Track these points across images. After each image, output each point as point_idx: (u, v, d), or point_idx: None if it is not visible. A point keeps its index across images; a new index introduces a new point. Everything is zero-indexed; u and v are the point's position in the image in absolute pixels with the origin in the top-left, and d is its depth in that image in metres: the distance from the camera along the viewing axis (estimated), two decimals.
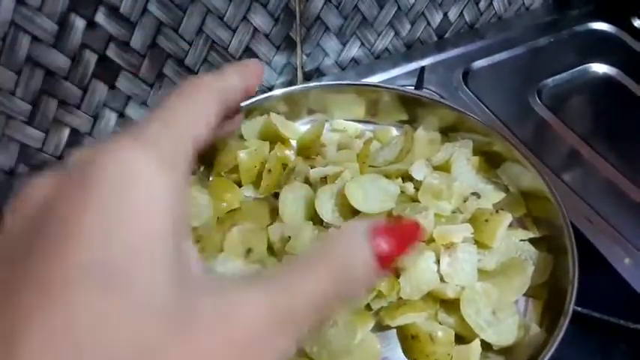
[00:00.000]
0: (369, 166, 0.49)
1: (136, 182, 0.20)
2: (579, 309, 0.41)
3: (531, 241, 0.46)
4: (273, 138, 0.51)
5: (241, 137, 0.52)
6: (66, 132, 0.55)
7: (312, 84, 0.54)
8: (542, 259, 0.44)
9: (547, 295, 0.43)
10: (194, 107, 0.25)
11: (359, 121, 0.55)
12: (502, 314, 0.39)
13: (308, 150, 0.51)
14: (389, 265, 0.24)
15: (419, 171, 0.48)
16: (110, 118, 0.57)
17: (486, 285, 0.40)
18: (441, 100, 0.52)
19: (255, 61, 0.32)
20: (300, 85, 0.54)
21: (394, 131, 0.54)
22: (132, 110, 0.57)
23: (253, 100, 0.51)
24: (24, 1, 0.45)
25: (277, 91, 0.52)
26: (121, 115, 0.57)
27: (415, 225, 0.25)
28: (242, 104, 0.44)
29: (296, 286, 0.22)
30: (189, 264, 0.21)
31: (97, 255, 0.18)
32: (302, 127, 0.54)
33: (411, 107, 0.53)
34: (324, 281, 0.22)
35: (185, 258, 0.21)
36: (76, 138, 0.56)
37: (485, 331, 0.39)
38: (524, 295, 0.43)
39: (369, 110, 0.55)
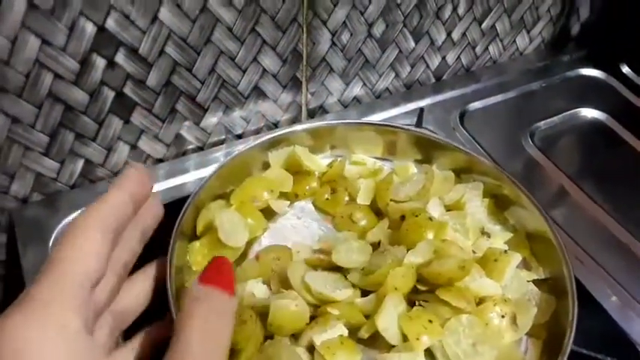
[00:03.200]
0: (391, 200, 0.51)
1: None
2: (572, 347, 0.42)
3: (534, 281, 0.48)
4: (297, 168, 0.54)
5: (267, 165, 0.54)
6: (80, 163, 0.58)
7: (335, 121, 0.57)
8: (545, 300, 0.46)
9: (547, 335, 0.44)
10: (81, 253, 0.29)
11: (377, 158, 0.58)
12: (482, 348, 0.40)
13: (332, 182, 0.54)
14: (232, 289, 0.32)
15: (435, 209, 0.50)
16: (123, 150, 0.59)
17: (472, 317, 0.41)
18: (456, 143, 0.55)
19: (135, 169, 0.35)
20: (325, 122, 0.57)
21: (413, 168, 0.56)
22: (144, 143, 0.60)
23: (280, 132, 0.53)
24: (49, 41, 0.48)
25: (302, 125, 0.55)
26: (134, 147, 0.60)
27: (219, 257, 0.33)
28: (270, 136, 0.48)
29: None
30: None
31: None
32: (324, 160, 0.57)
33: (426, 148, 0.55)
34: (202, 340, 0.28)
35: None
36: (89, 168, 0.58)
37: None
38: (525, 334, 0.44)
39: (387, 149, 0.57)
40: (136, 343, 0.33)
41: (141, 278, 0.37)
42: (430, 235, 0.45)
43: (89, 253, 0.29)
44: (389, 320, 0.41)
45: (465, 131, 0.69)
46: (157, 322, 0.36)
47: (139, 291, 0.36)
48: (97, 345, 0.30)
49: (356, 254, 0.46)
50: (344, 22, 0.62)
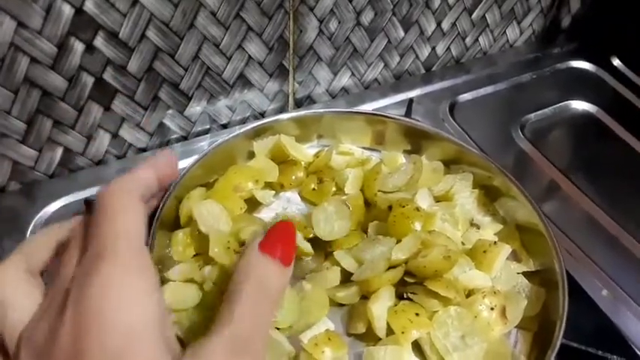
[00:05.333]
0: (378, 190, 0.49)
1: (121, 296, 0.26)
2: (562, 340, 0.42)
3: (524, 273, 0.47)
4: (282, 158, 0.52)
5: (252, 154, 0.53)
6: (59, 151, 0.56)
7: (322, 110, 0.55)
8: (535, 293, 0.45)
9: (537, 328, 0.43)
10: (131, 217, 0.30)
11: (365, 148, 0.57)
12: (471, 340, 0.39)
13: (319, 172, 0.52)
14: (290, 261, 0.31)
15: (423, 200, 0.49)
16: (104, 138, 0.57)
17: (460, 309, 0.41)
18: (446, 133, 0.53)
19: (167, 153, 0.36)
20: (311, 110, 0.55)
21: (402, 158, 0.55)
22: (125, 131, 0.58)
23: (265, 121, 0.52)
24: (25, 23, 0.46)
25: (288, 114, 0.53)
26: (115, 135, 0.58)
27: (284, 223, 0.32)
28: (254, 124, 0.46)
29: (236, 322, 0.28)
30: (172, 345, 0.27)
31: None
32: (310, 150, 0.55)
33: (416, 138, 0.54)
34: (253, 304, 0.29)
35: (170, 341, 0.27)
36: (68, 157, 0.57)
37: (450, 355, 0.39)
38: (515, 326, 0.43)
39: (376, 138, 0.56)
40: None
41: None
42: (418, 226, 0.44)
43: (139, 221, 0.30)
44: (381, 311, 0.40)
45: (454, 122, 0.68)
46: None
47: None
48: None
49: (336, 221, 0.46)
50: (332, 9, 0.61)
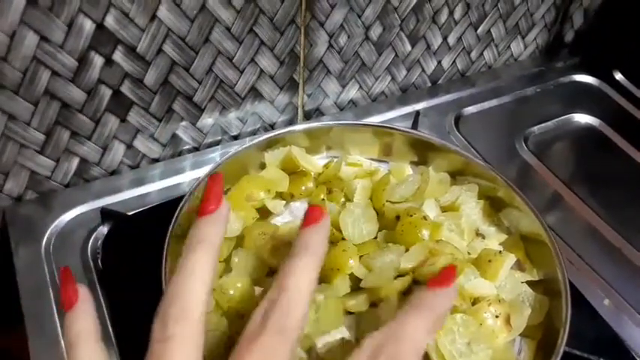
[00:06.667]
0: (386, 200, 0.51)
1: None
2: (565, 348, 0.43)
3: (528, 282, 0.48)
4: (293, 169, 0.54)
5: (263, 165, 0.54)
6: (75, 161, 0.57)
7: (332, 122, 0.57)
8: (539, 301, 0.46)
9: (541, 336, 0.45)
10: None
11: (373, 160, 0.58)
12: (477, 347, 0.40)
13: (328, 183, 0.54)
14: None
15: (430, 210, 0.50)
16: (119, 149, 0.59)
17: (467, 317, 0.42)
18: (452, 145, 0.55)
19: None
20: (321, 122, 0.57)
21: (409, 169, 0.57)
22: (139, 142, 0.60)
23: (276, 132, 0.53)
24: (47, 37, 0.48)
25: (299, 126, 0.55)
26: (129, 146, 0.59)
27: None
28: (266, 136, 0.51)
29: (398, 335, 0.29)
30: None
31: None
32: (320, 161, 0.57)
33: (422, 150, 0.56)
34: (421, 330, 0.30)
35: None
36: (84, 167, 0.58)
37: None
38: (520, 334, 0.44)
39: (383, 150, 0.57)
40: None
41: None
42: (425, 235, 0.46)
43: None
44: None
45: (459, 135, 0.69)
46: None
47: None
48: None
49: (364, 224, 0.48)
50: (341, 24, 0.63)
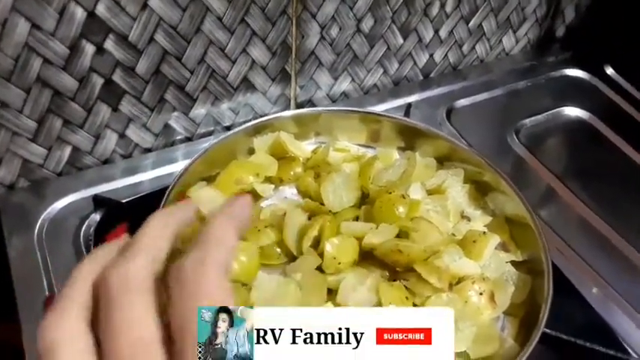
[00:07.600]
0: (371, 184, 0.52)
1: None
2: (550, 331, 0.43)
3: (513, 262, 0.49)
4: (281, 154, 0.55)
5: (252, 151, 0.55)
6: (68, 150, 0.58)
7: (320, 108, 0.58)
8: (522, 280, 0.47)
9: (523, 313, 0.45)
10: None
11: (361, 145, 0.59)
12: (462, 324, 0.41)
13: (317, 167, 0.55)
14: None
15: (416, 193, 0.51)
16: (111, 138, 0.59)
17: (452, 295, 0.43)
18: (438, 130, 0.56)
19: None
20: (310, 109, 0.58)
21: (396, 154, 0.57)
22: (132, 132, 0.60)
23: (265, 118, 0.54)
24: (39, 25, 0.48)
25: (288, 112, 0.56)
26: (122, 135, 0.60)
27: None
28: (255, 122, 0.52)
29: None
30: None
31: None
32: (308, 146, 0.58)
33: (409, 136, 0.57)
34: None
35: None
36: (76, 156, 0.59)
37: None
38: (503, 313, 0.45)
39: (371, 136, 0.58)
40: None
41: None
42: (402, 211, 0.46)
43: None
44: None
45: (451, 127, 0.70)
46: None
47: None
48: None
49: (344, 191, 0.49)
50: (333, 16, 0.63)
